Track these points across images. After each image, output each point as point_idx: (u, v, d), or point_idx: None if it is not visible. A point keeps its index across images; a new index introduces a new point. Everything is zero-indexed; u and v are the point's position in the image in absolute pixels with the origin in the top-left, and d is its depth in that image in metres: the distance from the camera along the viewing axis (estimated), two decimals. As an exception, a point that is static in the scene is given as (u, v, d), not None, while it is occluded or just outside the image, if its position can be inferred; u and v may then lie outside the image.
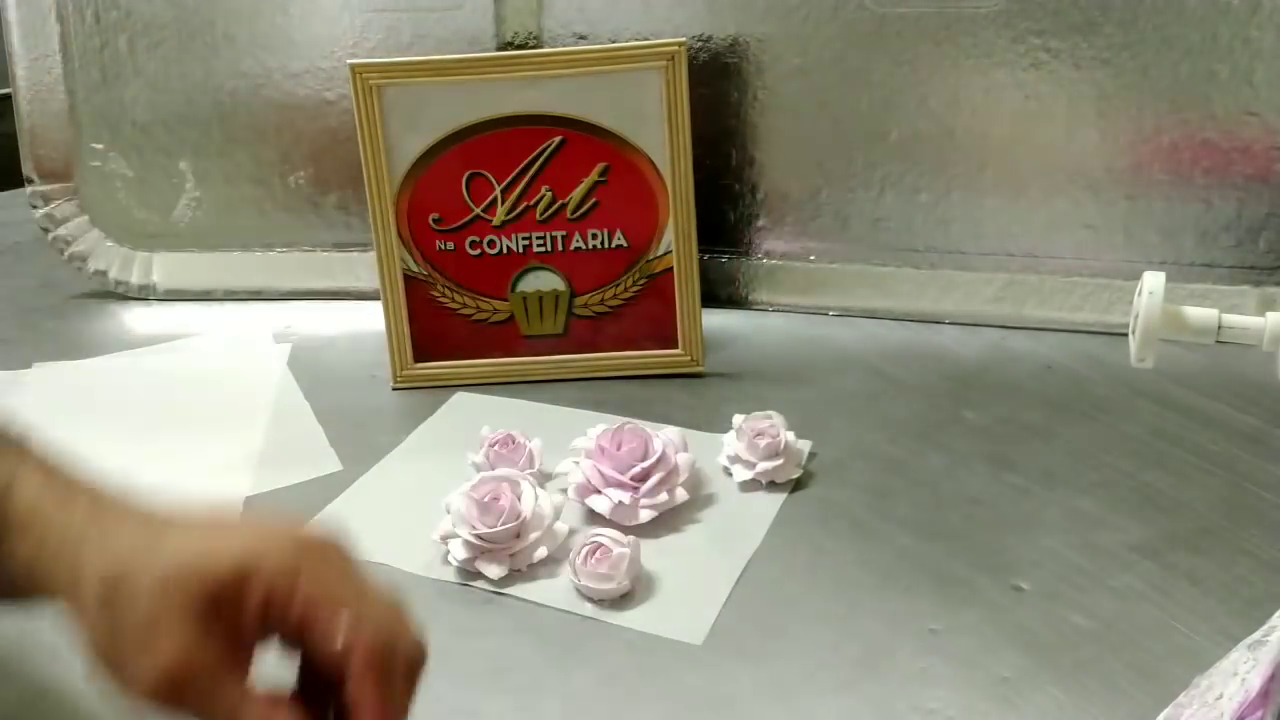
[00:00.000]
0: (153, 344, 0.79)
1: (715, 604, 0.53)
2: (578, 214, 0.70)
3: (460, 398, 0.71)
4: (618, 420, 0.62)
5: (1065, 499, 0.59)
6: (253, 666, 0.35)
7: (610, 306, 0.72)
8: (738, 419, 0.62)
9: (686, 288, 0.71)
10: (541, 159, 0.69)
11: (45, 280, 0.86)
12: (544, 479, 0.61)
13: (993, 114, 0.72)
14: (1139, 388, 0.68)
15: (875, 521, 0.58)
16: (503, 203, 0.70)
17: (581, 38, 0.75)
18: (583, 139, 0.69)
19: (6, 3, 0.79)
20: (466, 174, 0.70)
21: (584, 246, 0.71)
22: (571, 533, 0.57)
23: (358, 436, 0.67)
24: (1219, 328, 0.54)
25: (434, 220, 0.71)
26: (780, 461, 0.60)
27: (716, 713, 0.47)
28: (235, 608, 0.33)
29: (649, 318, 0.72)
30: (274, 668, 0.36)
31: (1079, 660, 0.49)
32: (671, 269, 0.71)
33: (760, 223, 0.78)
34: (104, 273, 0.83)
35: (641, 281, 0.72)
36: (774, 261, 0.78)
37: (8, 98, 0.82)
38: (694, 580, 0.55)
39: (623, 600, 0.53)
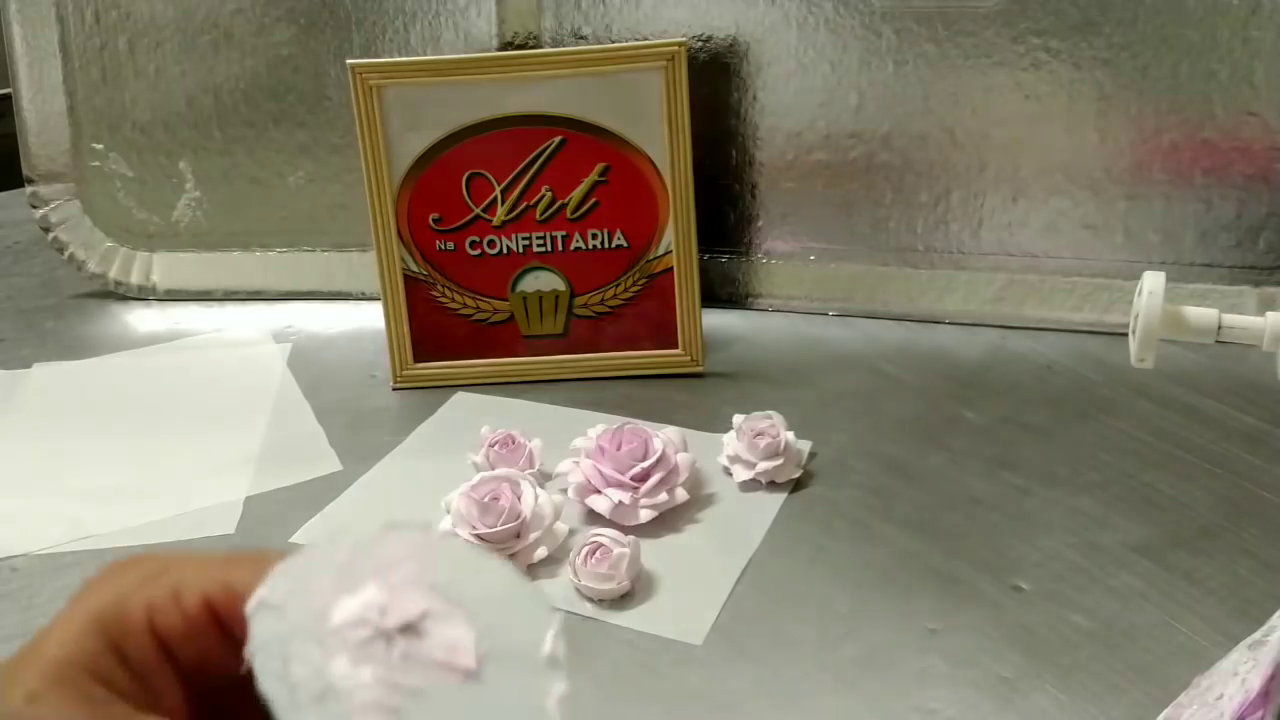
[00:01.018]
0: (153, 344, 0.79)
1: (715, 604, 0.53)
2: (578, 214, 0.70)
3: (460, 398, 0.71)
4: (618, 420, 0.62)
5: (1065, 499, 0.59)
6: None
7: (610, 306, 0.72)
8: (737, 419, 0.62)
9: (686, 287, 0.71)
10: (541, 159, 0.69)
11: (45, 280, 0.86)
12: (544, 479, 0.61)
13: (993, 113, 0.72)
14: (1139, 388, 0.67)
15: (875, 521, 0.58)
16: (503, 203, 0.70)
17: (581, 38, 0.75)
18: (583, 139, 0.69)
19: (7, 3, 0.79)
20: (466, 174, 0.70)
21: (584, 246, 0.71)
22: (571, 533, 0.57)
23: (357, 436, 0.67)
24: (1219, 328, 0.54)
25: (434, 220, 0.71)
26: (780, 461, 0.60)
27: (716, 713, 0.47)
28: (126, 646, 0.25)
29: (649, 318, 0.72)
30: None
31: (1079, 660, 0.49)
32: (671, 269, 0.71)
33: (760, 222, 0.78)
34: (104, 273, 0.83)
35: (641, 281, 0.72)
36: (774, 261, 0.78)
37: (8, 98, 0.82)
38: (694, 580, 0.55)
39: (622, 600, 0.53)
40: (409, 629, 0.24)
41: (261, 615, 0.24)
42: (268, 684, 0.24)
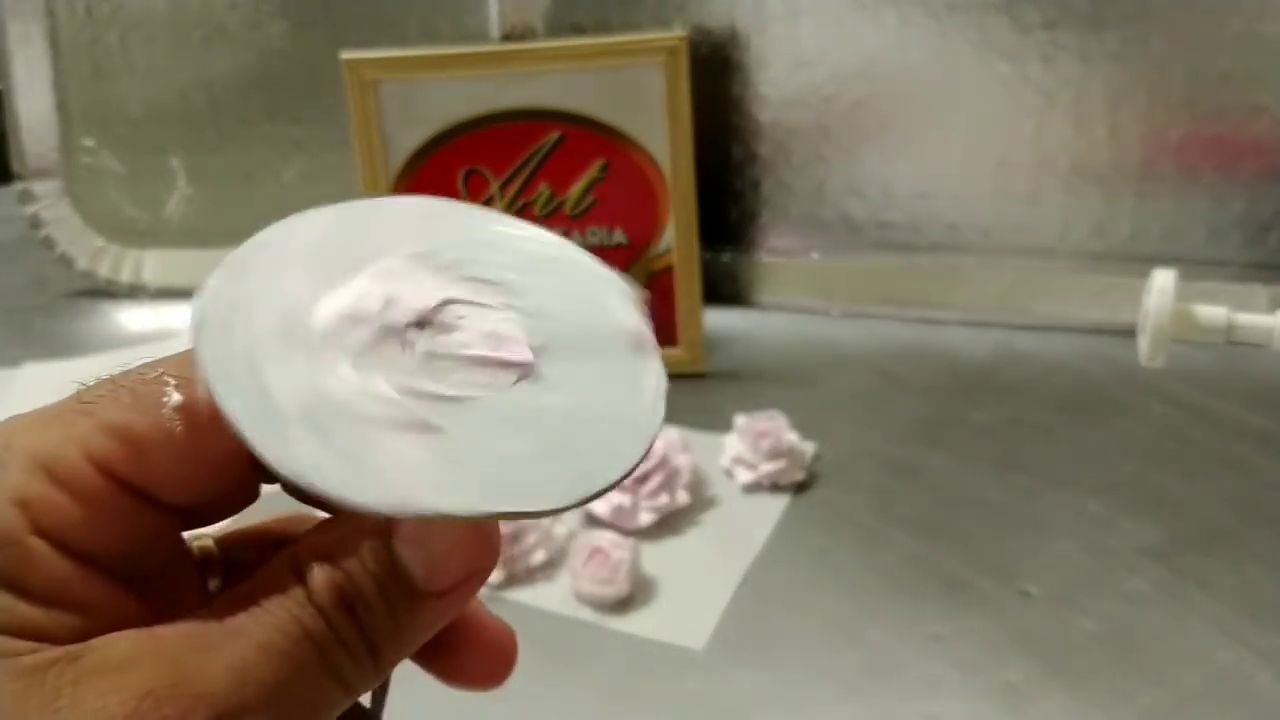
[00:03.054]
0: (144, 343, 0.78)
1: (717, 609, 0.52)
2: (577, 211, 0.69)
3: (457, 398, 0.70)
4: (617, 421, 0.61)
5: (1073, 501, 0.58)
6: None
7: (609, 305, 0.71)
8: (740, 419, 0.61)
9: (687, 286, 0.70)
10: (540, 155, 0.68)
11: (35, 278, 0.85)
12: (542, 481, 0.60)
13: (999, 109, 0.72)
14: (1148, 388, 0.67)
15: (880, 524, 0.57)
16: (500, 199, 0.69)
17: (581, 31, 0.74)
18: (582, 134, 0.68)
19: (-4, -3, 0.79)
20: (463, 170, 0.69)
21: (583, 244, 0.70)
22: (570, 536, 0.56)
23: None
24: (1229, 327, 0.54)
25: (430, 217, 0.70)
26: (783, 463, 0.60)
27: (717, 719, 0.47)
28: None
29: (649, 316, 0.71)
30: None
31: (1087, 665, 0.48)
32: (672, 267, 0.70)
33: (762, 220, 0.77)
34: (94, 271, 0.82)
35: (642, 280, 0.71)
36: (776, 259, 0.78)
37: (-3, 93, 0.81)
38: (695, 584, 0.54)
39: (622, 605, 0.52)
40: (428, 323, 0.18)
41: (206, 333, 0.17)
42: (229, 402, 0.17)
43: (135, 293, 0.82)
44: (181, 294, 0.82)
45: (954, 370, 0.71)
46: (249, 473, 0.20)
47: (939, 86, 0.72)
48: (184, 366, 0.19)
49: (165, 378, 0.19)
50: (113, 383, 0.19)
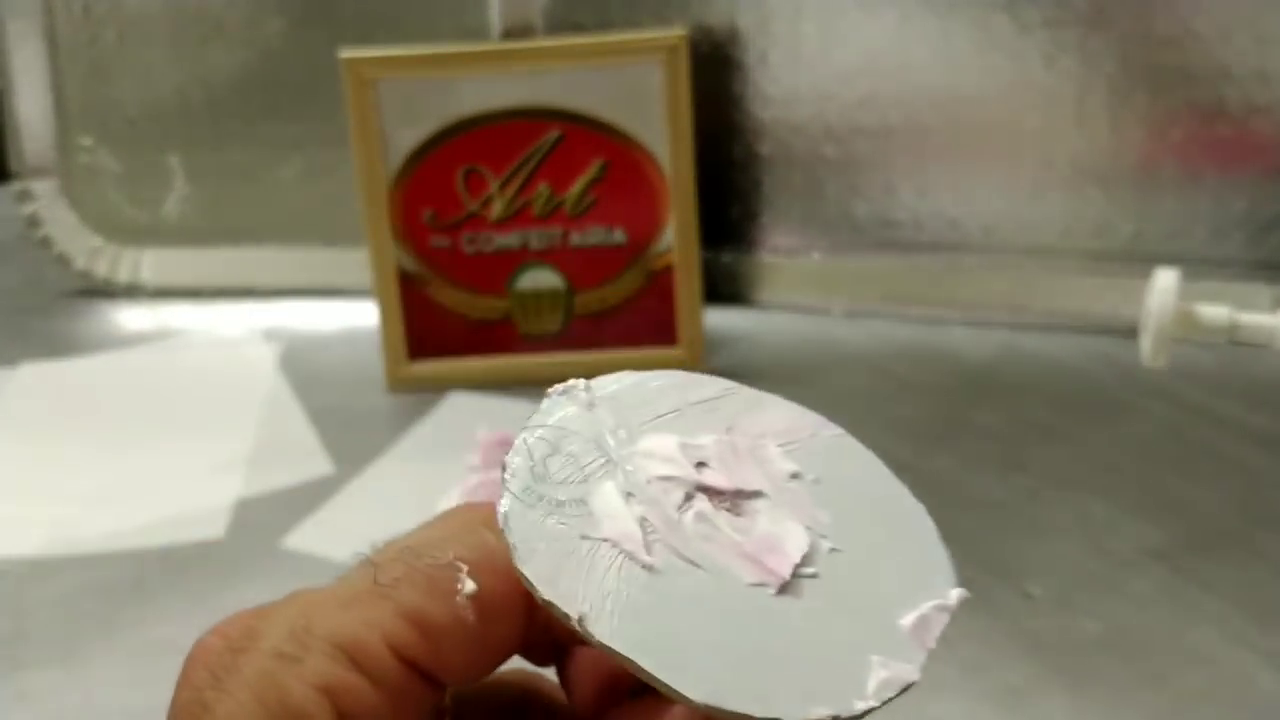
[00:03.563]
0: (141, 343, 0.78)
1: (718, 610, 0.52)
2: (576, 210, 0.69)
3: (456, 398, 0.70)
4: (617, 421, 0.60)
5: (1076, 502, 0.58)
6: None
7: (610, 305, 0.71)
8: (740, 419, 0.61)
9: (688, 285, 0.70)
10: (539, 154, 0.68)
11: (31, 278, 0.84)
12: (542, 481, 0.60)
13: (1001, 108, 0.71)
14: (1151, 387, 0.66)
15: (881, 525, 0.57)
16: (499, 198, 0.69)
17: (581, 29, 0.74)
18: (581, 133, 0.67)
19: (-8, -5, 0.78)
20: (462, 169, 0.68)
21: (583, 243, 0.70)
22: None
23: (350, 438, 0.65)
24: (1232, 326, 0.53)
25: (428, 216, 0.69)
26: (784, 463, 0.59)
27: (720, 723, 0.46)
28: None
29: (649, 316, 0.71)
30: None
31: (1090, 667, 0.48)
32: (672, 266, 0.70)
33: (763, 218, 0.77)
34: (91, 270, 0.82)
35: (642, 279, 0.70)
36: (778, 258, 0.77)
37: (-6, 92, 0.81)
38: (696, 585, 0.53)
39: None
40: (725, 498, 0.19)
41: (564, 398, 0.20)
42: (515, 459, 0.20)
43: (133, 292, 0.82)
44: (179, 293, 0.82)
45: (956, 370, 0.71)
46: (516, 648, 0.21)
47: (940, 85, 0.72)
48: (475, 550, 0.20)
49: (458, 564, 0.20)
50: (407, 565, 0.20)
